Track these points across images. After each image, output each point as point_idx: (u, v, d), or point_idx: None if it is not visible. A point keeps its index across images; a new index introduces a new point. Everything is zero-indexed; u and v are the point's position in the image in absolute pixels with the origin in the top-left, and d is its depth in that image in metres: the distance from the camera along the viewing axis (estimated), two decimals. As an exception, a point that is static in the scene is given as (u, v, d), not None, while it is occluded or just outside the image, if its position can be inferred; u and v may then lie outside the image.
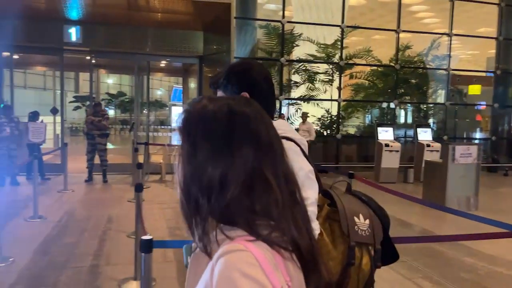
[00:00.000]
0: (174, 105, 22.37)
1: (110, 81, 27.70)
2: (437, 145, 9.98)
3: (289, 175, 0.78)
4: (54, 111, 11.66)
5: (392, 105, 11.60)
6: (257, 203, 0.72)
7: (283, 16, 10.61)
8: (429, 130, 10.26)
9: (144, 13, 9.32)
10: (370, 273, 0.89)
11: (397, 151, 9.56)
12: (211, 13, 9.22)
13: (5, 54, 9.70)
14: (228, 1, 8.83)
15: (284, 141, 0.85)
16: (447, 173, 6.82)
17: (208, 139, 0.74)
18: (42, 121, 8.52)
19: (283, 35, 10.65)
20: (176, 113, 14.81)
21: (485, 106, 13.16)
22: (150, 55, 10.24)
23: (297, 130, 10.30)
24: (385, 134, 9.82)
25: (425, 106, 12.42)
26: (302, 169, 1.19)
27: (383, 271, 4.16)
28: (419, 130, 10.15)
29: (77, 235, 5.13)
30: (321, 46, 11.46)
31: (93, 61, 12.92)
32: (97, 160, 8.66)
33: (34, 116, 8.41)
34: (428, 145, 9.78)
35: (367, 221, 0.90)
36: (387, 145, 9.50)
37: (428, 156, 9.71)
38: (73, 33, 9.15)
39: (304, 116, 10.14)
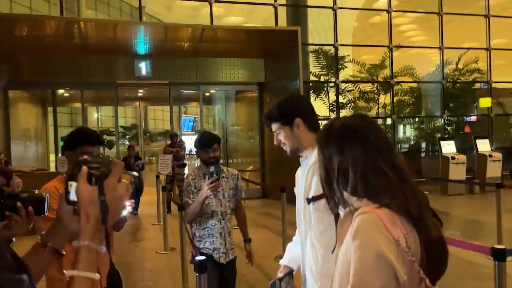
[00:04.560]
0: (184, 134, 22.34)
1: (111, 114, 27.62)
2: (498, 155, 10.22)
3: (397, 161, 1.13)
4: (110, 145, 11.62)
5: (440, 119, 11.92)
6: (377, 183, 1.09)
7: (336, 40, 10.96)
8: (487, 141, 10.50)
9: (209, 44, 9.53)
10: None
11: (463, 163, 9.77)
12: (276, 41, 9.48)
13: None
14: (294, 28, 9.14)
15: None
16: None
17: (331, 144, 1.16)
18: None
19: (336, 57, 10.98)
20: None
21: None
22: (213, 84, 10.43)
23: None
24: (448, 147, 10.04)
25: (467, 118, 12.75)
26: None
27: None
28: (478, 141, 10.40)
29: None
30: (368, 66, 11.81)
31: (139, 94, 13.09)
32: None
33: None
34: (490, 156, 10.02)
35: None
36: (453, 158, 9.71)
37: (492, 166, 9.95)
38: (143, 67, 9.28)
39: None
